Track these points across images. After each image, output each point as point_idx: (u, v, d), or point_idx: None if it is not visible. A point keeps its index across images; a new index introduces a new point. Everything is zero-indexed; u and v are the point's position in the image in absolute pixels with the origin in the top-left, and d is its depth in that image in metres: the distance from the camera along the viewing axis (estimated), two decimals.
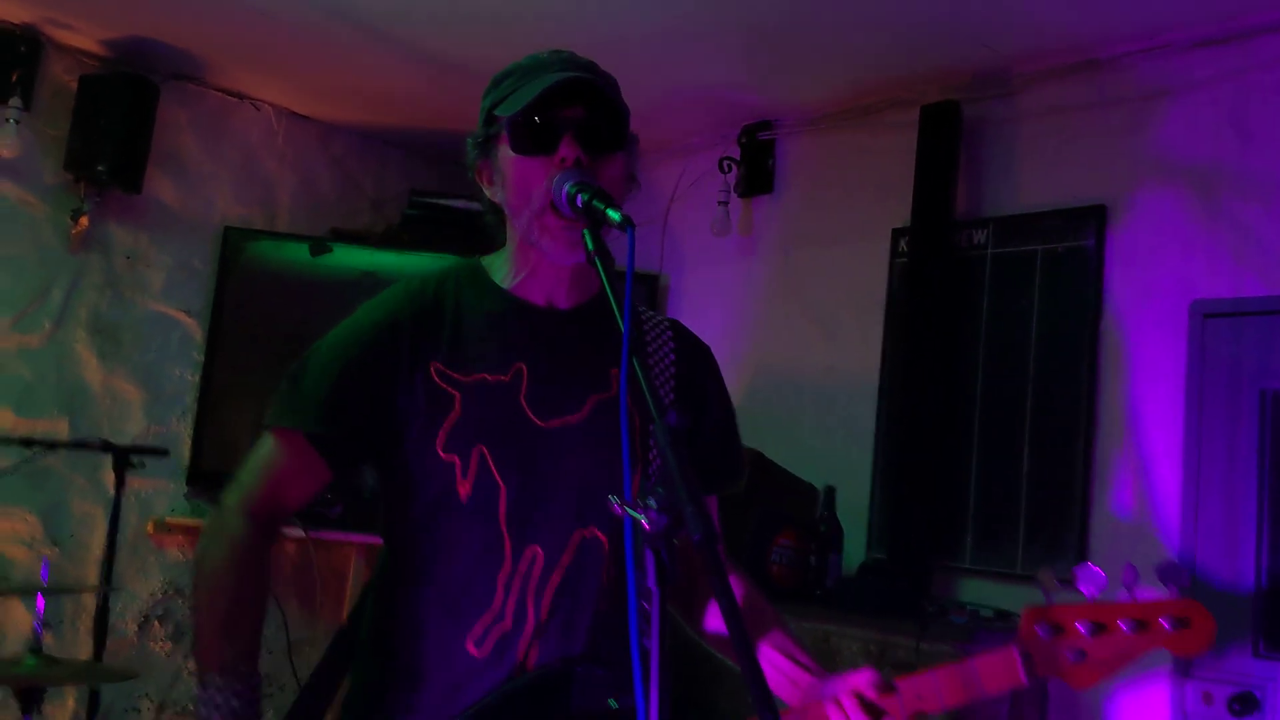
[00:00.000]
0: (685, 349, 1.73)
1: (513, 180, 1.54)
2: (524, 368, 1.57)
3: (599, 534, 1.56)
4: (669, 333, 1.72)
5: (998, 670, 1.48)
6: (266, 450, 1.60)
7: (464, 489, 1.51)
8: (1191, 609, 1.49)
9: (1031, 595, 1.56)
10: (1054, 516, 3.26)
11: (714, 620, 1.69)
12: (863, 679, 1.47)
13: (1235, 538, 2.93)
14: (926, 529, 3.48)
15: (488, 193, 1.62)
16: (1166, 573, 1.50)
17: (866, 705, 1.45)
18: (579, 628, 1.54)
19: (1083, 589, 1.49)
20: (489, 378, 1.55)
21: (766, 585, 3.39)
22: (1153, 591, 1.49)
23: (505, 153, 1.55)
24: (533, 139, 1.51)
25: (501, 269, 1.65)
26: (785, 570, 3.43)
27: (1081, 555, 3.18)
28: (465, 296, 1.62)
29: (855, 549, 3.58)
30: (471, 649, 1.51)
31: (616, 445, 1.53)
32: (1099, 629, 1.48)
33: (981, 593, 3.35)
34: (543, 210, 1.50)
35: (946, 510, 3.49)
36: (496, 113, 1.55)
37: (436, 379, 1.55)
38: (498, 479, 1.52)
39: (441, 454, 1.52)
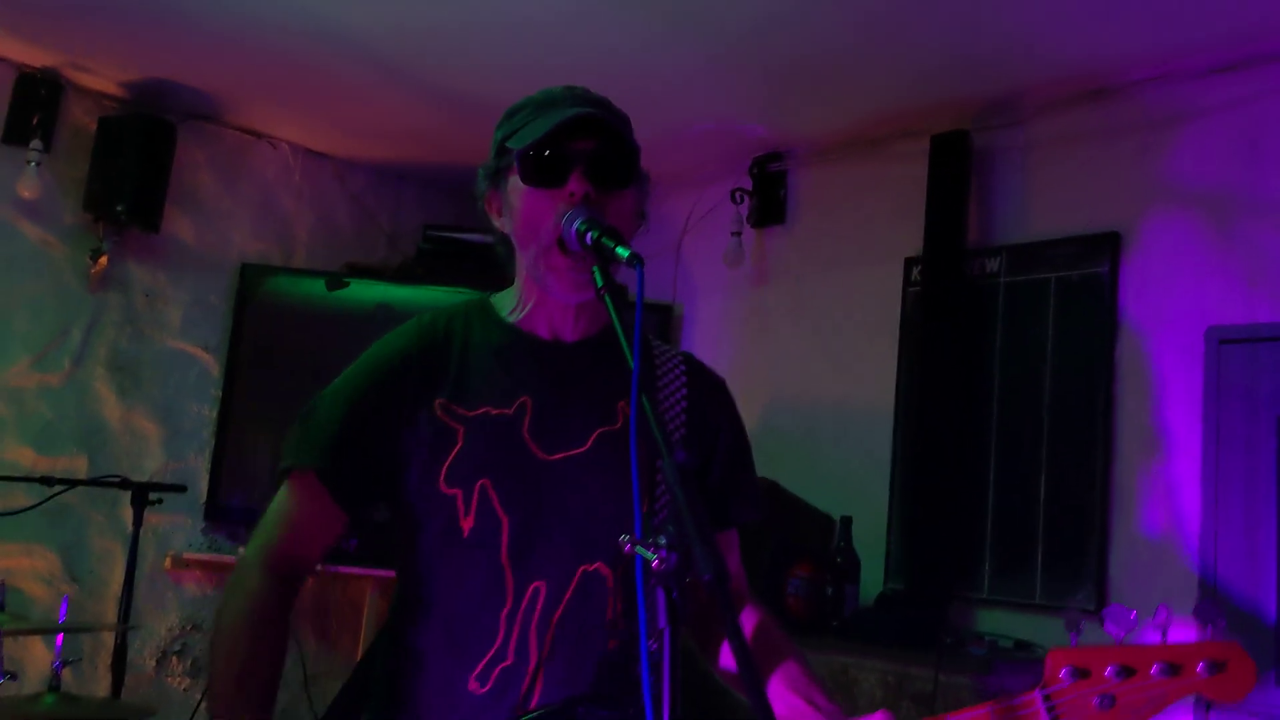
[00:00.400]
0: (697, 382, 1.71)
1: (521, 213, 1.55)
2: (528, 401, 1.56)
3: (604, 568, 1.54)
4: (681, 366, 1.71)
5: (1019, 717, 1.41)
6: (282, 498, 1.60)
7: (466, 524, 1.51)
8: (1230, 651, 1.38)
9: (1050, 625, 1.51)
10: (1072, 546, 3.24)
11: (728, 658, 1.68)
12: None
13: (1256, 567, 2.91)
14: (944, 559, 3.47)
15: (496, 224, 1.63)
16: (1204, 612, 1.40)
17: None
18: (583, 665, 1.52)
19: (1110, 630, 1.40)
20: (492, 411, 1.55)
21: (783, 617, 3.37)
22: (1186, 632, 1.42)
23: (515, 185, 1.55)
24: (542, 172, 1.51)
25: (509, 303, 1.65)
26: (802, 602, 3.42)
27: (1100, 585, 3.15)
28: (473, 332, 1.62)
29: (872, 579, 3.56)
30: (474, 686, 1.50)
31: (621, 479, 1.49)
32: (1128, 673, 1.38)
33: (1000, 623, 3.33)
34: (549, 248, 1.51)
35: (964, 540, 3.47)
36: (508, 145, 1.56)
37: (441, 414, 1.55)
38: (500, 513, 1.51)
39: (444, 488, 1.52)
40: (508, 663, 1.50)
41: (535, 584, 1.52)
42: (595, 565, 1.54)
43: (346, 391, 1.60)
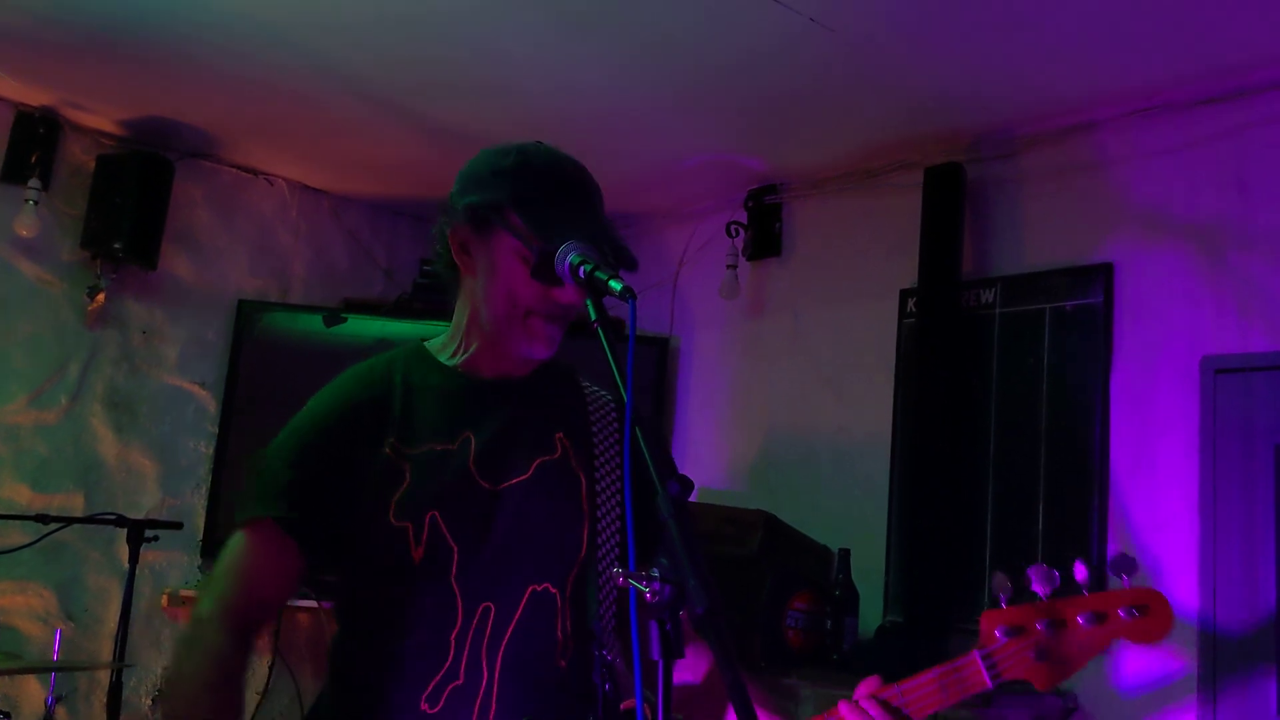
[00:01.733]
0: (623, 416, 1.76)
1: (503, 279, 1.58)
2: (471, 436, 1.60)
3: (551, 588, 1.57)
4: (611, 404, 1.75)
5: (963, 676, 1.50)
6: (236, 549, 1.59)
7: (417, 553, 1.53)
8: (1148, 596, 1.49)
9: (1017, 598, 1.57)
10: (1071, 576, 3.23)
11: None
12: (871, 684, 1.54)
13: (1255, 595, 2.90)
14: (943, 590, 3.45)
15: (454, 256, 1.64)
16: (1119, 564, 1.51)
17: (886, 706, 1.50)
18: (534, 685, 1.54)
19: (1037, 589, 1.50)
20: (437, 447, 1.59)
21: (783, 650, 3.36)
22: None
23: (506, 253, 1.57)
24: (553, 276, 1.46)
25: (447, 348, 1.69)
26: (801, 634, 3.41)
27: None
28: (414, 376, 1.66)
29: (872, 611, 3.54)
30: (425, 707, 1.51)
31: (563, 503, 1.61)
32: (1059, 625, 1.50)
33: None
34: (528, 314, 1.56)
35: (962, 571, 3.46)
36: (517, 214, 1.54)
37: (389, 454, 1.58)
38: (450, 541, 1.54)
39: (394, 521, 1.54)
40: (458, 682, 1.52)
41: (484, 604, 1.54)
42: (543, 585, 1.57)
43: (297, 440, 1.62)
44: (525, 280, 1.54)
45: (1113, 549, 3.19)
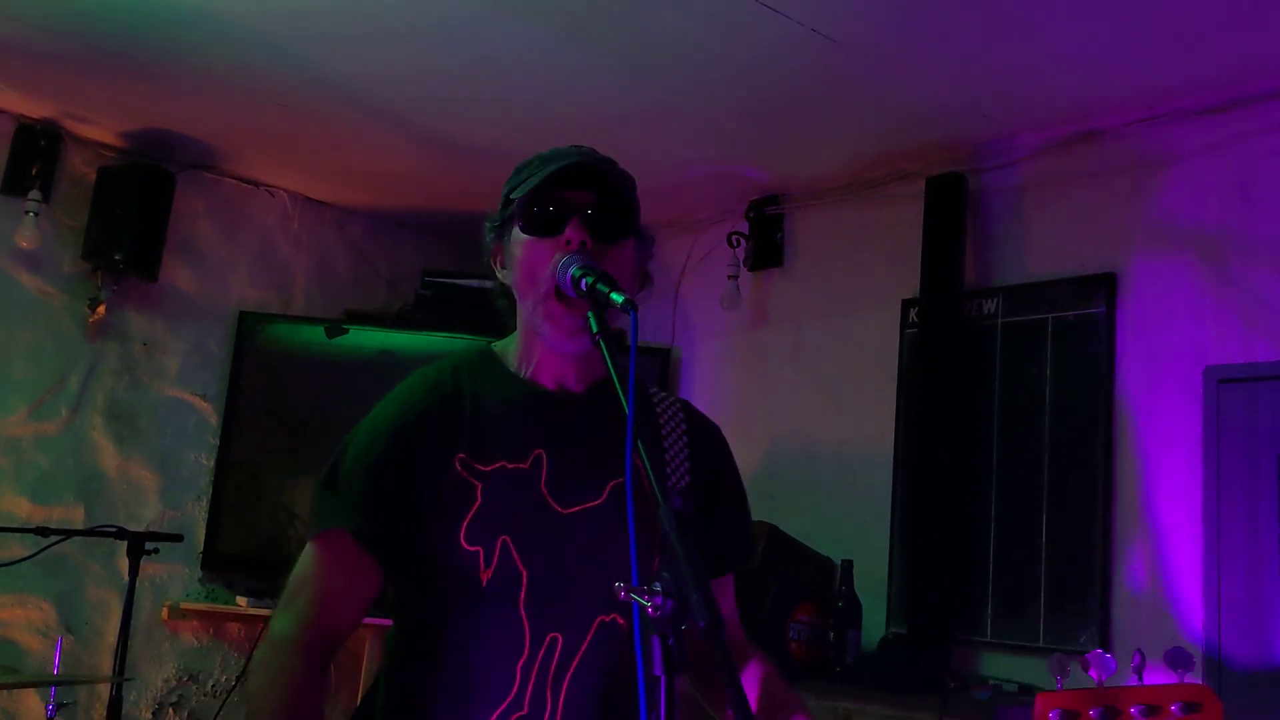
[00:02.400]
0: (697, 429, 1.72)
1: (521, 262, 1.56)
2: (543, 454, 1.56)
3: (619, 619, 1.54)
4: (681, 413, 1.71)
5: None
6: (311, 565, 1.54)
7: (485, 576, 1.50)
8: (1201, 694, 1.50)
9: (1074, 678, 1.57)
10: (1075, 587, 3.22)
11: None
12: None
13: (1260, 607, 2.89)
14: (946, 602, 3.44)
15: (500, 275, 1.64)
16: (1175, 659, 1.53)
17: None
18: (598, 716, 1.52)
19: (1093, 674, 1.50)
20: (509, 465, 1.55)
21: (785, 662, 3.34)
22: (1162, 676, 1.51)
23: (516, 235, 1.57)
24: (541, 220, 1.53)
25: (513, 354, 1.65)
26: (804, 647, 3.39)
27: (1103, 627, 3.13)
28: (481, 385, 1.62)
29: (874, 623, 3.53)
30: None
31: (637, 531, 1.55)
32: (1112, 714, 1.49)
33: (1003, 667, 3.30)
34: (547, 295, 1.51)
35: (966, 583, 3.45)
36: (511, 196, 1.58)
37: (460, 470, 1.54)
38: (520, 567, 1.50)
39: (465, 545, 1.50)
40: (523, 713, 1.49)
41: (552, 634, 1.51)
42: (611, 616, 1.54)
43: (369, 450, 1.57)
44: (533, 252, 1.53)
45: (1116, 561, 3.17)
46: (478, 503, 1.52)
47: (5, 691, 3.72)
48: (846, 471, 3.92)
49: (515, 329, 1.67)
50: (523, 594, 1.50)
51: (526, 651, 1.50)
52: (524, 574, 1.50)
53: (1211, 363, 3.08)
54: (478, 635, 1.51)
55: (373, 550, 1.52)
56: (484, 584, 1.50)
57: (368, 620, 1.59)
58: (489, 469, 1.54)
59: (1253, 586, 2.91)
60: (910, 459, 3.69)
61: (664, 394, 1.75)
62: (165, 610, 4.24)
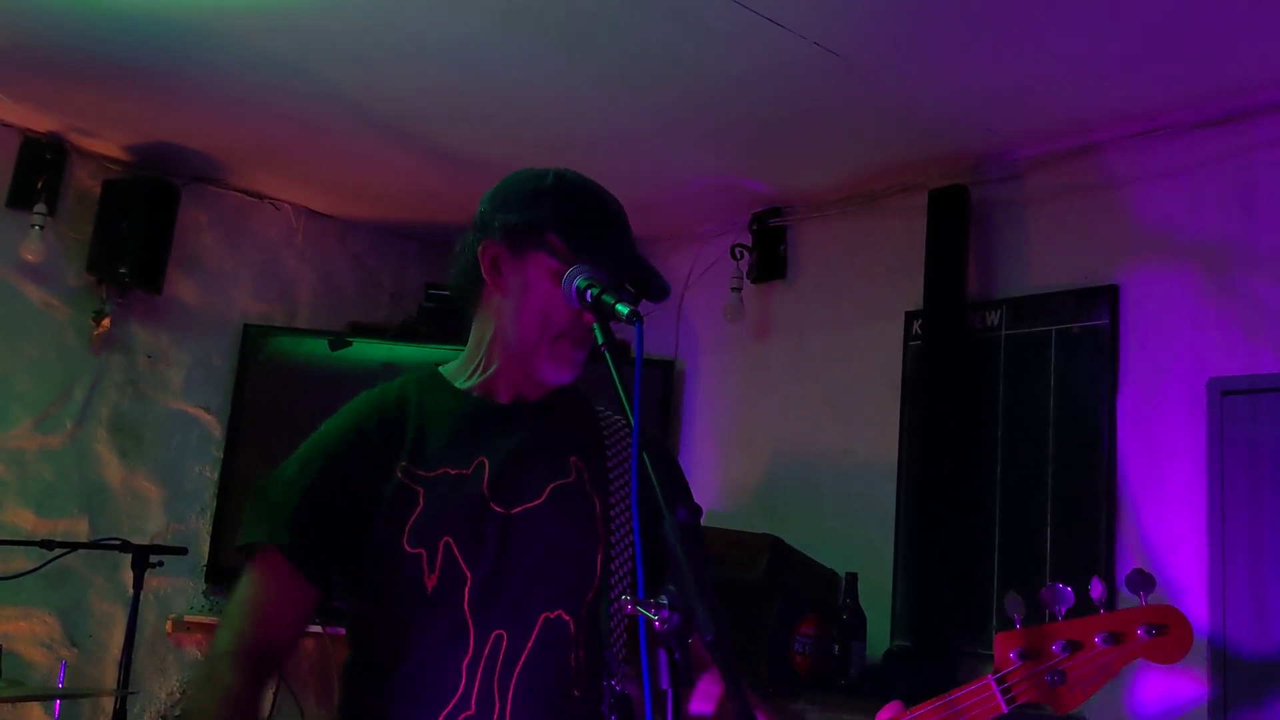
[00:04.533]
0: (645, 442, 1.73)
1: (536, 300, 1.58)
2: (485, 460, 1.59)
3: (564, 615, 1.56)
4: (624, 428, 1.73)
5: (977, 702, 1.47)
6: (248, 583, 1.58)
7: (430, 581, 1.52)
8: (1167, 614, 1.46)
9: (1033, 619, 1.54)
10: (1079, 598, 3.21)
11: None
12: (892, 709, 1.57)
13: (1265, 617, 2.88)
14: (951, 614, 3.43)
15: (483, 272, 1.63)
16: (1135, 581, 1.47)
17: None
18: (547, 715, 1.53)
19: (1053, 610, 1.46)
20: (451, 471, 1.58)
21: (790, 675, 3.34)
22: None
23: (541, 273, 1.56)
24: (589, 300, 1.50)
25: (463, 372, 1.68)
26: (809, 660, 3.39)
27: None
28: (427, 399, 1.65)
29: (879, 636, 3.53)
30: None
31: (577, 529, 1.58)
32: (1075, 647, 1.45)
33: None
34: (557, 337, 1.56)
35: (970, 595, 3.44)
36: (556, 236, 1.55)
37: (402, 477, 1.56)
38: (464, 568, 1.53)
39: (408, 548, 1.52)
40: (470, 712, 1.50)
41: (497, 632, 1.52)
42: (556, 613, 1.55)
43: (304, 466, 1.61)
44: (559, 302, 1.53)
45: (1121, 572, 3.17)
46: (420, 506, 1.55)
47: (9, 705, 3.72)
48: (850, 483, 3.92)
49: (468, 343, 1.70)
50: (467, 594, 1.52)
51: (471, 650, 1.51)
52: (467, 575, 1.53)
53: (1215, 374, 3.08)
54: (424, 637, 1.53)
55: (303, 568, 1.54)
56: (429, 590, 1.52)
57: (335, 631, 1.63)
58: (432, 474, 1.57)
59: (1257, 599, 2.90)
60: (914, 471, 3.69)
61: (611, 414, 1.76)
62: (169, 623, 4.24)
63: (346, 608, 1.64)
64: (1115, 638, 1.44)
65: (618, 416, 1.75)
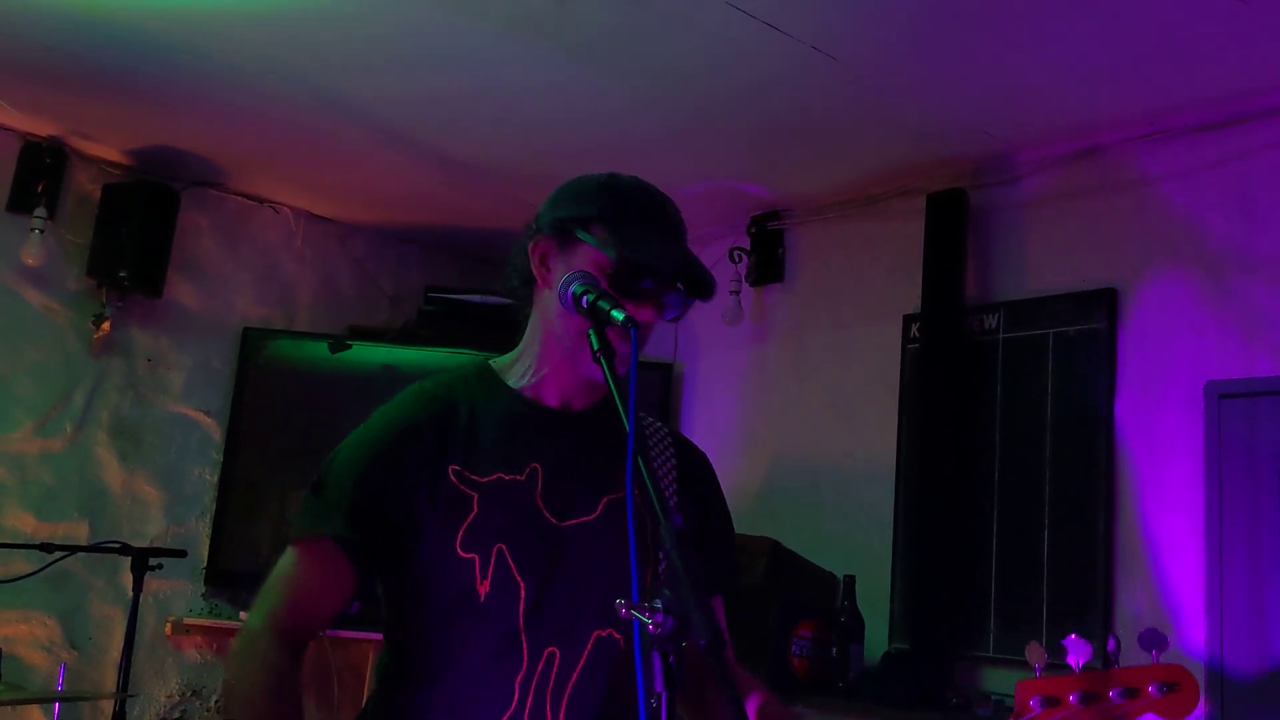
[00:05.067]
0: (684, 455, 1.73)
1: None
2: (539, 467, 1.57)
3: (615, 634, 1.55)
4: (669, 438, 1.73)
5: None
6: (290, 563, 1.57)
7: (483, 588, 1.50)
8: (1178, 674, 1.53)
9: (1052, 667, 1.58)
10: (1076, 602, 3.22)
11: None
12: None
13: (1263, 621, 2.88)
14: (948, 617, 3.44)
15: (533, 268, 1.61)
16: (1148, 640, 1.55)
17: None
18: None
19: (1071, 660, 1.54)
20: (505, 477, 1.56)
21: (788, 678, 3.34)
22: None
23: (586, 258, 1.54)
24: (633, 290, 1.52)
25: (514, 370, 1.65)
26: (807, 662, 3.39)
27: (1106, 640, 3.12)
28: (478, 399, 1.62)
29: (877, 639, 3.53)
30: None
31: (638, 546, 1.55)
32: (1092, 698, 1.52)
33: (1006, 682, 3.30)
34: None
35: (968, 598, 3.45)
36: (603, 227, 1.55)
37: (454, 480, 1.54)
38: (517, 577, 1.51)
39: (460, 553, 1.51)
40: None
41: (550, 649, 1.52)
42: (608, 631, 1.54)
43: (358, 459, 1.58)
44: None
45: (1118, 576, 3.17)
46: (474, 512, 1.53)
47: (9, 708, 3.73)
48: (848, 486, 3.92)
49: (521, 342, 1.67)
50: (521, 607, 1.51)
51: (525, 665, 1.50)
52: (521, 585, 1.51)
53: (1212, 378, 3.09)
54: (477, 650, 1.51)
55: (351, 557, 1.54)
56: (482, 598, 1.50)
57: (371, 635, 1.61)
58: (485, 480, 1.55)
59: (1255, 602, 2.90)
60: (912, 474, 3.70)
61: (653, 420, 1.75)
62: (169, 626, 4.24)
63: (385, 609, 1.62)
64: (1129, 692, 1.53)
65: (660, 423, 1.74)
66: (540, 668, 1.51)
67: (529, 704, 1.50)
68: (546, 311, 1.60)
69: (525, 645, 1.51)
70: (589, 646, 1.53)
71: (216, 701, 4.33)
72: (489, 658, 1.51)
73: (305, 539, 1.57)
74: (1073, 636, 1.53)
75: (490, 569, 1.51)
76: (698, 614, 1.10)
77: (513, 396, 1.63)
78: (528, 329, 1.67)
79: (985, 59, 3.02)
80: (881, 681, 3.30)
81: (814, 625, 3.43)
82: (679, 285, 1.56)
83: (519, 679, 1.50)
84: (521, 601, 1.51)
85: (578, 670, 1.52)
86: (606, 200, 1.59)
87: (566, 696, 1.51)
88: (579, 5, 2.87)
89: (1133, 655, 1.56)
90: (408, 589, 1.58)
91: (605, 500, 1.58)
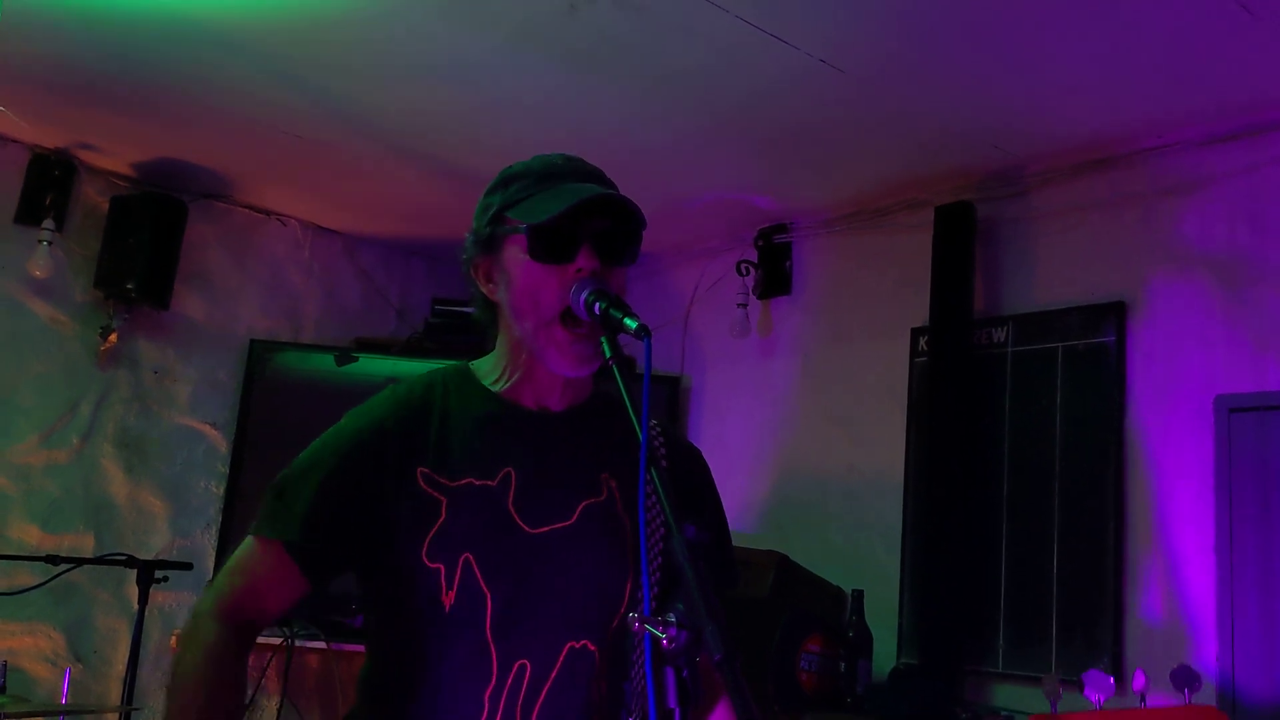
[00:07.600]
0: (676, 452, 1.68)
1: (521, 285, 1.53)
2: (512, 472, 1.53)
3: (590, 645, 1.50)
4: (661, 437, 1.67)
5: None
6: (246, 554, 1.57)
7: (448, 599, 1.47)
8: (1206, 715, 1.42)
9: (1066, 699, 1.50)
10: (1086, 617, 3.20)
11: None
12: None
13: (1274, 638, 2.86)
14: (957, 632, 3.42)
15: (483, 290, 1.61)
16: (1181, 678, 1.43)
17: None
18: None
19: (1090, 696, 1.43)
20: (475, 482, 1.52)
21: (796, 693, 3.32)
22: (1165, 697, 1.42)
23: (515, 255, 1.53)
24: (553, 248, 1.49)
25: (491, 372, 1.63)
26: (815, 677, 3.37)
27: (1116, 657, 3.11)
28: (453, 401, 1.60)
29: (885, 653, 3.51)
30: None
31: (607, 553, 1.52)
32: None
33: (1015, 697, 3.27)
34: (551, 321, 1.49)
35: (977, 613, 3.43)
36: (510, 215, 1.54)
37: (423, 484, 1.51)
38: (484, 588, 1.47)
39: (426, 562, 1.47)
40: None
41: (520, 661, 1.48)
42: (582, 643, 1.50)
43: (321, 463, 1.56)
44: (543, 280, 1.49)
45: (1128, 590, 3.15)
46: (441, 518, 1.49)
47: None
48: (856, 500, 3.91)
49: (494, 347, 1.65)
50: (488, 618, 1.47)
51: (494, 679, 1.47)
52: (488, 596, 1.47)
53: (1222, 391, 3.07)
54: (445, 662, 1.48)
55: (302, 564, 1.53)
56: (447, 608, 1.47)
57: (339, 646, 1.60)
58: (455, 485, 1.52)
59: (1266, 615, 2.88)
60: (920, 488, 3.68)
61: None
62: (174, 639, 4.22)
63: (363, 619, 1.62)
64: None
65: (654, 423, 1.68)
66: (510, 680, 1.47)
67: (499, 718, 1.46)
68: (505, 319, 1.60)
69: (495, 657, 1.47)
70: (561, 658, 1.49)
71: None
72: (458, 670, 1.47)
73: (260, 538, 1.56)
74: (1092, 671, 1.42)
75: (456, 578, 1.47)
76: (711, 628, 1.09)
77: (488, 397, 1.60)
78: (497, 343, 1.65)
79: (993, 71, 3.01)
80: (890, 697, 3.27)
81: (822, 640, 3.40)
82: (605, 222, 1.50)
83: (488, 692, 1.46)
84: (489, 612, 1.47)
85: (549, 683, 1.48)
86: (507, 188, 1.58)
87: (537, 710, 1.47)
88: (586, 17, 2.87)
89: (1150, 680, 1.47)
90: (380, 597, 1.56)
91: (582, 505, 1.54)
